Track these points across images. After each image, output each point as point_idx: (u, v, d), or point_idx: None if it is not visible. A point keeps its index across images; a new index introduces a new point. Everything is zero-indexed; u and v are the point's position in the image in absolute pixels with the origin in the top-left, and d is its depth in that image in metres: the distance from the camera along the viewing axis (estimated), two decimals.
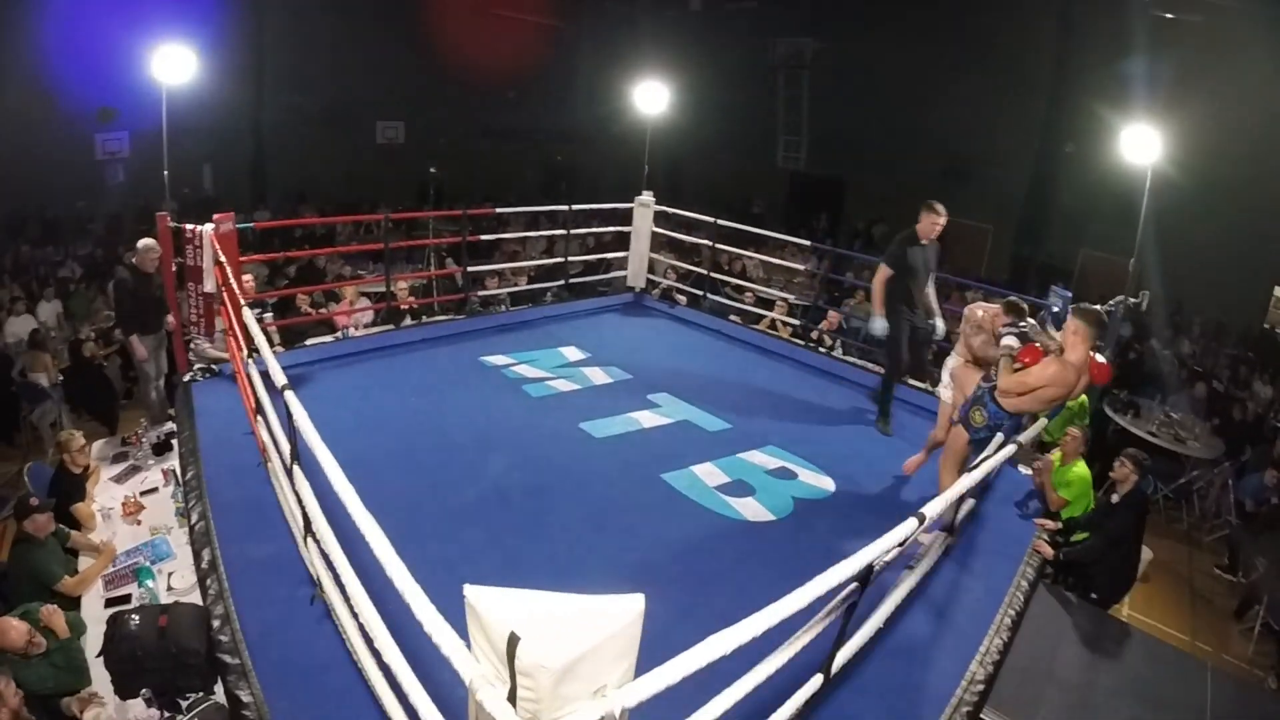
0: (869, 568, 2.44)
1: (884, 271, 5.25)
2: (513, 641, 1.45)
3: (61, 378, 7.62)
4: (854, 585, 2.43)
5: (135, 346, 5.70)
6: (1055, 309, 4.46)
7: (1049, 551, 4.11)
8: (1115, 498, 4.30)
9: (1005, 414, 3.72)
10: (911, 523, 2.40)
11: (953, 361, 4.65)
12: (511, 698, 1.48)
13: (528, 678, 1.45)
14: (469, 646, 1.64)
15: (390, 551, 1.96)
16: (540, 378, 5.80)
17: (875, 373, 6.64)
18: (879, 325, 5.31)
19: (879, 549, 2.24)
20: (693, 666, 1.60)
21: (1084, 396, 5.27)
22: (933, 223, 5.11)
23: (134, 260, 5.68)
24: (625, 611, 1.59)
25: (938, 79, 13.24)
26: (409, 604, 1.78)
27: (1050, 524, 4.35)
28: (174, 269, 5.35)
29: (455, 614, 1.67)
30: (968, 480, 3.19)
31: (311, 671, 2.88)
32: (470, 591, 1.61)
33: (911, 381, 6.22)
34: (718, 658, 1.67)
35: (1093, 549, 4.15)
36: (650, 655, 1.63)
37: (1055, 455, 4.71)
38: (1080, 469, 4.54)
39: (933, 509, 2.56)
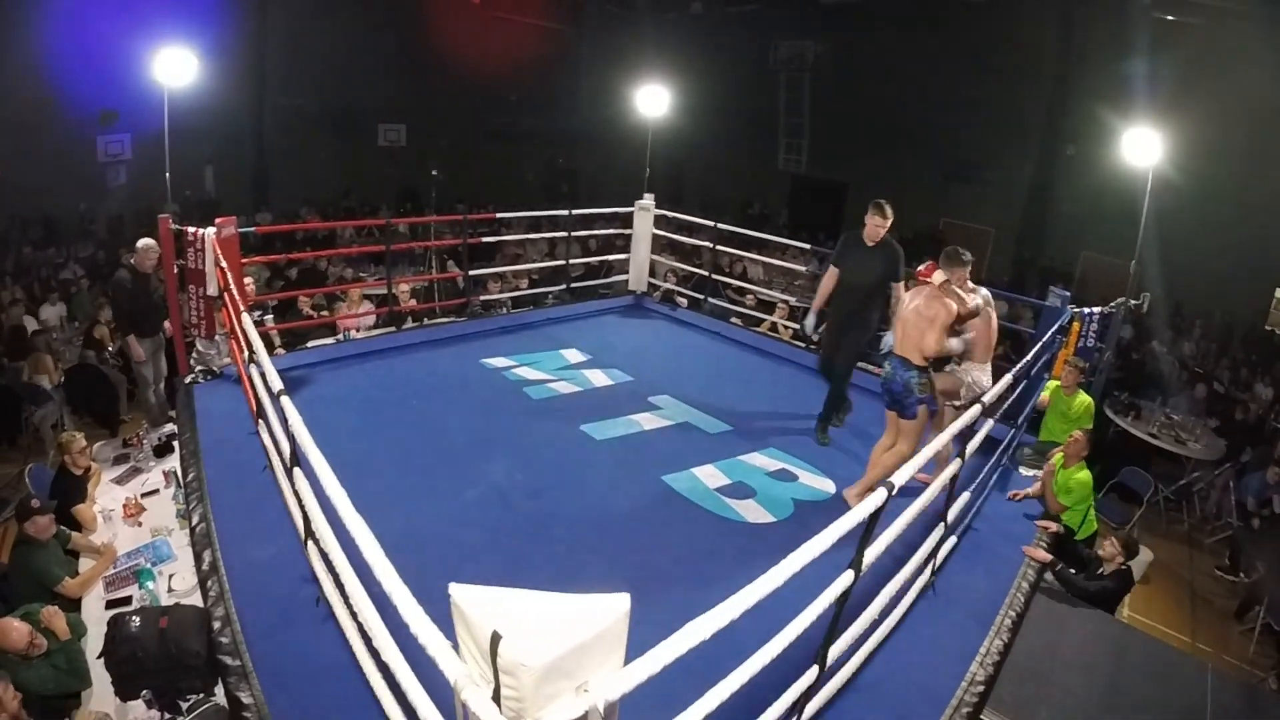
0: (860, 556, 2.44)
1: (829, 270, 5.08)
2: (495, 640, 1.45)
3: (62, 379, 7.65)
4: (848, 573, 2.43)
5: (133, 347, 5.71)
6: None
7: (1045, 557, 4.08)
8: (1103, 570, 4.25)
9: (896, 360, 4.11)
10: (881, 493, 2.40)
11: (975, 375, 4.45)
12: (496, 697, 1.48)
13: (510, 676, 1.45)
14: (456, 646, 1.64)
15: (379, 553, 1.96)
16: (541, 380, 5.81)
17: (876, 374, 6.64)
18: (807, 323, 5.29)
19: (847, 524, 2.23)
20: (673, 654, 1.60)
21: (1089, 399, 5.27)
22: (875, 225, 4.77)
23: (133, 260, 5.69)
24: (610, 610, 1.59)
25: (939, 81, 13.27)
26: (396, 605, 1.78)
27: (1052, 525, 4.35)
28: (175, 271, 5.37)
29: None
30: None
31: (312, 673, 2.88)
32: (455, 591, 1.61)
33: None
34: (698, 643, 1.66)
35: (1079, 586, 4.10)
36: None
37: (1057, 458, 4.71)
38: (1082, 475, 4.52)
39: (900, 478, 2.55)
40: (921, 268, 4.18)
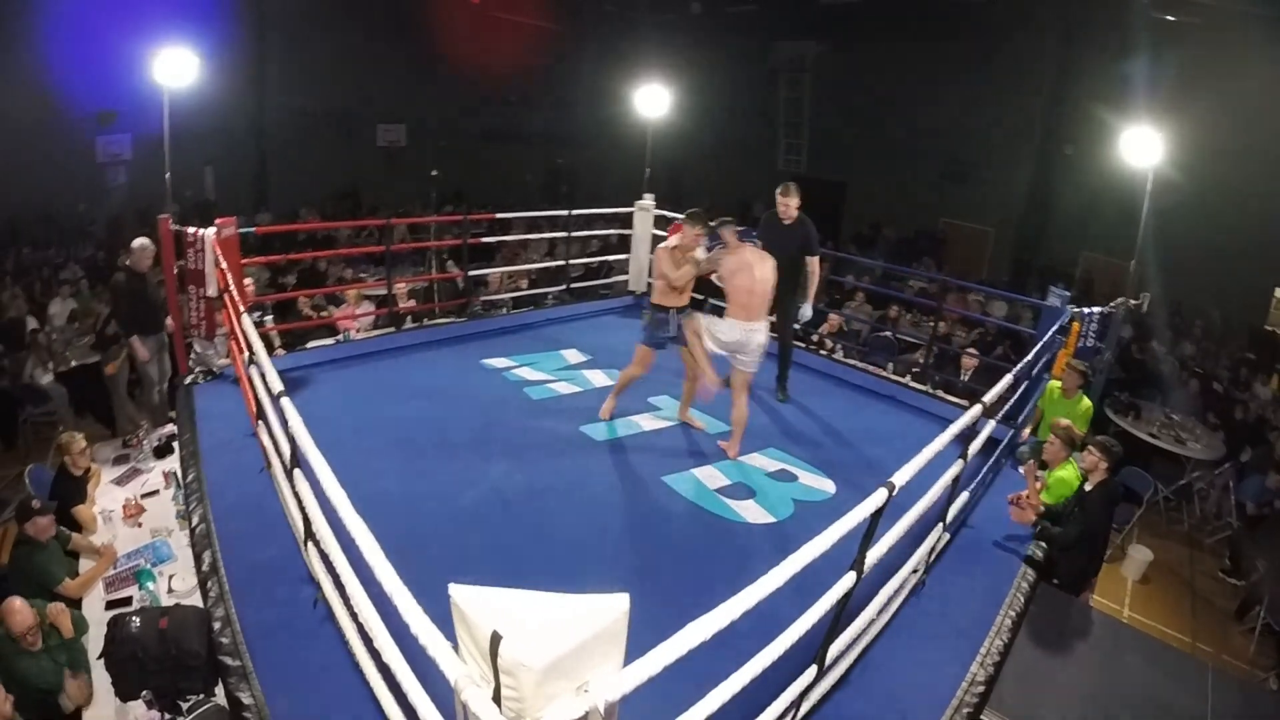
0: (861, 558, 2.44)
1: None
2: (495, 640, 1.45)
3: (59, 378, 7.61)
4: (850, 575, 2.43)
5: (137, 348, 5.71)
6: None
7: (1028, 518, 4.14)
8: (1087, 486, 4.21)
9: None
10: (881, 493, 2.40)
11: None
12: (496, 697, 1.48)
13: (510, 676, 1.45)
14: (456, 647, 1.64)
15: (379, 554, 1.96)
16: (541, 380, 5.81)
17: (876, 374, 6.66)
18: None
19: (848, 525, 2.24)
20: (673, 655, 1.60)
21: (1089, 404, 5.24)
22: (783, 204, 5.35)
23: (128, 261, 5.69)
24: (609, 610, 1.59)
25: (938, 81, 13.28)
26: (396, 605, 1.78)
27: (1030, 515, 4.28)
28: (175, 272, 5.37)
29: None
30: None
31: (312, 673, 2.88)
32: (455, 591, 1.61)
33: (915, 385, 6.28)
34: (698, 644, 1.66)
35: (1063, 537, 4.09)
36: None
37: (1052, 473, 4.64)
38: (1060, 472, 4.48)
39: (902, 477, 2.55)
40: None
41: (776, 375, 5.89)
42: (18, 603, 3.18)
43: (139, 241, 5.57)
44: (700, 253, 4.70)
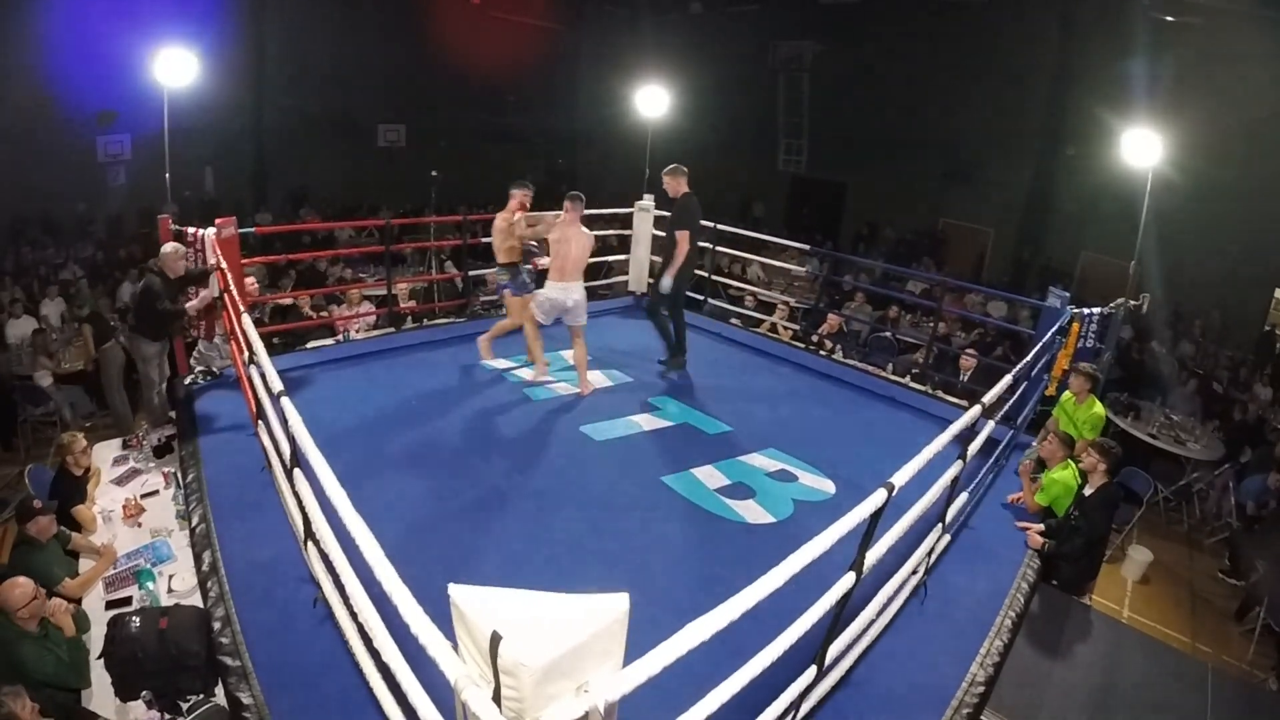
0: (861, 557, 2.44)
1: None
2: (495, 641, 1.45)
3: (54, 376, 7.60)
4: (850, 575, 2.43)
5: (146, 348, 5.68)
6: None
7: (1037, 541, 4.13)
8: (1088, 490, 4.21)
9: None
10: (881, 494, 2.40)
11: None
12: (496, 697, 1.48)
13: (510, 676, 1.45)
14: (455, 647, 1.64)
15: (379, 554, 1.96)
16: (541, 380, 5.81)
17: (876, 375, 6.66)
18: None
19: (847, 525, 2.23)
20: (673, 655, 1.60)
21: (1100, 411, 5.19)
22: (665, 184, 5.89)
23: (160, 266, 5.60)
24: (609, 610, 1.59)
25: (939, 81, 13.28)
26: (396, 605, 1.79)
27: (1036, 535, 4.28)
28: None
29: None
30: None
31: (312, 673, 2.88)
32: (455, 591, 1.61)
33: (914, 385, 6.30)
34: (697, 644, 1.66)
35: (1070, 550, 4.10)
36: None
37: (1045, 476, 4.62)
38: (1058, 474, 4.47)
39: (901, 478, 2.54)
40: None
41: (670, 350, 6.17)
42: (20, 579, 3.18)
43: (170, 246, 5.39)
44: (521, 226, 5.49)
